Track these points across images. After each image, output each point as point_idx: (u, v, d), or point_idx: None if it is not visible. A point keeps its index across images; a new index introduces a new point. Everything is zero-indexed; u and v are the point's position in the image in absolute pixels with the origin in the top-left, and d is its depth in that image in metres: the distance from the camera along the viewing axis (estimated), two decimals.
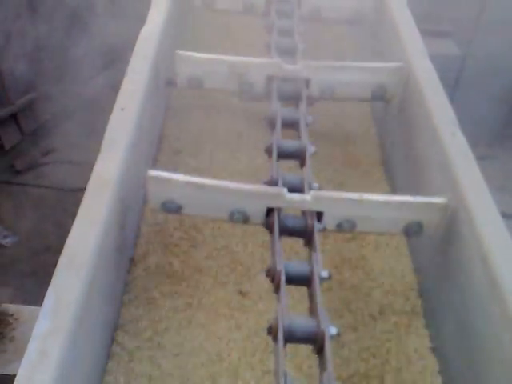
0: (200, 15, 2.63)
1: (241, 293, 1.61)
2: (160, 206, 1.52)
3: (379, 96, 1.95)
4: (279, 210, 1.46)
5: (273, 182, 1.49)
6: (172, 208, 1.51)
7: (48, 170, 5.19)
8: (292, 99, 1.84)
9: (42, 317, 1.09)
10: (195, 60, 1.95)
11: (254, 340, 1.49)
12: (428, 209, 1.50)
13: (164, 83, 2.05)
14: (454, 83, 4.94)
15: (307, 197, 1.44)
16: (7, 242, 4.39)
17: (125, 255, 1.62)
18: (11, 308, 2.49)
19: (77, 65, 5.48)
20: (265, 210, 1.46)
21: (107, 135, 1.53)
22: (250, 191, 1.46)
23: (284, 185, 1.47)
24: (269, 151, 1.61)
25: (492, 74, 5.05)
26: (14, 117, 5.31)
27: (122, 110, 1.60)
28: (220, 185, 1.48)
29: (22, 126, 5.39)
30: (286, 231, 1.44)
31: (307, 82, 1.90)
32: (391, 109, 2.05)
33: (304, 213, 1.47)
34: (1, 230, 4.44)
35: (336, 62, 1.95)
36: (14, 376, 1.02)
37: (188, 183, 1.48)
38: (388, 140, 2.13)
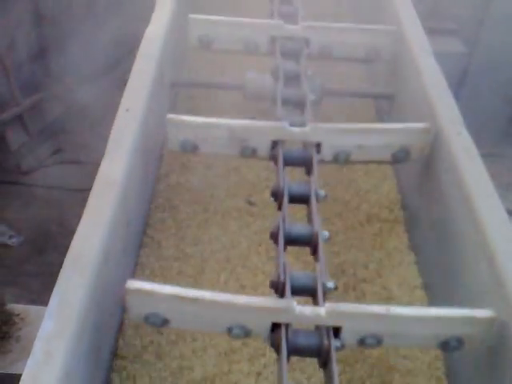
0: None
1: (249, 202, 1.96)
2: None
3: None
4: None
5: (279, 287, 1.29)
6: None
7: (54, 170, 5.20)
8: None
9: (47, 317, 1.10)
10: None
11: (261, 235, 1.81)
12: None
13: (169, 83, 2.05)
14: (460, 81, 4.91)
15: (321, 310, 1.21)
16: (13, 241, 4.40)
17: (130, 255, 1.62)
18: (17, 308, 2.50)
19: (83, 64, 5.49)
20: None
21: (112, 136, 1.53)
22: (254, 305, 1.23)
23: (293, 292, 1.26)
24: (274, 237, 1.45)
25: (498, 71, 5.01)
26: (20, 117, 5.33)
27: (127, 110, 1.61)
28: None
29: (29, 127, 5.40)
30: (297, 351, 1.22)
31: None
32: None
33: (318, 328, 1.25)
34: (6, 230, 4.45)
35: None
36: (20, 375, 1.02)
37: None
38: None
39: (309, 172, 1.60)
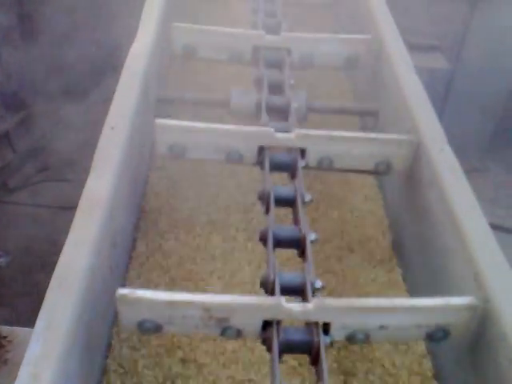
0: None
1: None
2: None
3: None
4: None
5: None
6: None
7: (41, 187, 5.17)
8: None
9: (34, 340, 1.09)
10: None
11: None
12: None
13: (154, 99, 2.06)
14: (443, 96, 4.98)
15: (309, 305, 1.25)
16: (0, 261, 4.35)
17: (117, 274, 1.61)
18: (5, 330, 2.47)
19: (70, 81, 5.49)
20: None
21: (97, 154, 1.53)
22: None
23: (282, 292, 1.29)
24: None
25: (480, 87, 5.10)
26: (6, 135, 5.30)
27: (112, 128, 1.60)
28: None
29: (15, 144, 5.38)
30: (288, 348, 1.24)
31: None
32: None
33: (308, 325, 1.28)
34: None
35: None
36: None
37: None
38: None
39: (293, 176, 1.65)
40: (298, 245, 1.43)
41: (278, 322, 1.24)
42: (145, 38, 2.01)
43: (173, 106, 2.13)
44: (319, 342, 1.20)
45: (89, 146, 1.73)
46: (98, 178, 1.45)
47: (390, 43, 2.11)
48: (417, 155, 1.70)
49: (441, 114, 4.93)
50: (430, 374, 1.54)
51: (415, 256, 1.74)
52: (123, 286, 1.68)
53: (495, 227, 1.54)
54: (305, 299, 1.27)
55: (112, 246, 1.47)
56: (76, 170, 4.81)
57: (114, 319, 1.57)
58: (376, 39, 2.16)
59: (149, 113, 1.99)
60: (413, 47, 4.97)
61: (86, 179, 1.48)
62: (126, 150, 1.58)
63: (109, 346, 1.53)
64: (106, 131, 1.60)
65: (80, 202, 1.39)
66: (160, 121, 1.71)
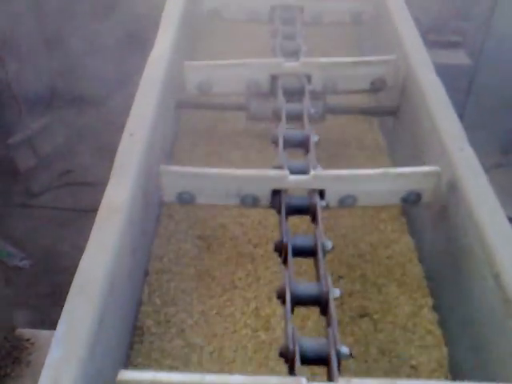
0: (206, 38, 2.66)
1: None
2: None
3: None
4: None
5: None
6: None
7: (63, 191, 5.23)
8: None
9: (55, 344, 1.09)
10: None
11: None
12: None
13: (174, 106, 2.05)
14: (466, 92, 4.91)
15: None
16: (24, 264, 4.41)
17: (136, 279, 1.61)
18: (27, 332, 2.50)
19: (92, 87, 5.55)
20: None
21: (117, 161, 1.52)
22: None
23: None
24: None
25: (503, 81, 5.01)
26: (29, 140, 5.38)
27: (131, 135, 1.60)
28: None
29: (37, 149, 5.46)
30: None
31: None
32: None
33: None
34: (17, 252, 4.47)
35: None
36: None
37: None
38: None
39: (314, 219, 1.52)
40: (319, 303, 1.28)
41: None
42: (163, 45, 2.00)
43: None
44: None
45: (107, 151, 1.74)
46: (118, 184, 1.45)
47: (416, 64, 1.96)
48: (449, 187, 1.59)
49: (463, 109, 4.86)
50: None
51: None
52: (143, 290, 1.68)
53: None
54: (330, 378, 1.11)
55: (132, 252, 1.47)
56: (97, 173, 4.85)
57: (134, 324, 1.57)
58: (401, 60, 2.02)
59: (168, 118, 1.99)
60: (434, 44, 4.94)
61: (106, 183, 1.48)
62: (145, 156, 1.58)
63: (129, 353, 1.52)
64: (125, 137, 1.60)
65: (100, 208, 1.39)
66: (166, 167, 1.64)
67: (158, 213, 1.93)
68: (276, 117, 1.82)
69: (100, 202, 1.42)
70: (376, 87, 2.06)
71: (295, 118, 1.80)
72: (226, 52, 2.40)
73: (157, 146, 1.75)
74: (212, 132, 2.29)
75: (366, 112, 2.27)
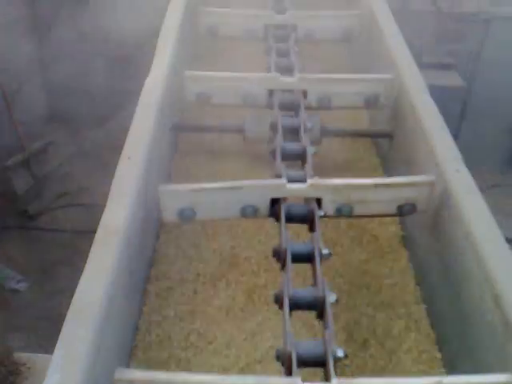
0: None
1: None
2: None
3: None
4: None
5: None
6: None
7: (60, 213, 5.24)
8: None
9: (52, 369, 1.08)
10: None
11: None
12: None
13: (169, 128, 2.06)
14: (461, 113, 4.97)
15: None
16: (21, 286, 4.39)
17: (134, 302, 1.60)
18: (24, 357, 2.47)
19: (88, 110, 5.59)
20: None
21: (114, 184, 1.52)
22: None
23: None
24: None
25: (497, 102, 5.08)
26: (26, 162, 5.40)
27: (129, 158, 1.61)
28: None
29: (34, 171, 5.47)
30: None
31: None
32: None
33: None
34: (14, 274, 4.45)
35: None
36: None
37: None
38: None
39: (311, 228, 1.55)
40: (315, 306, 1.31)
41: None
42: (159, 69, 2.02)
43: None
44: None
45: (105, 172, 1.75)
46: (115, 207, 1.45)
47: (410, 83, 1.98)
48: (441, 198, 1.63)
49: (459, 130, 4.91)
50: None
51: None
52: (139, 314, 1.67)
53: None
54: (327, 378, 1.14)
55: (129, 276, 1.47)
56: (94, 194, 4.86)
57: (132, 348, 1.56)
58: (395, 77, 2.04)
59: (164, 142, 2.00)
60: (428, 66, 5.01)
61: (103, 204, 1.48)
62: (143, 180, 1.59)
63: None
64: (122, 161, 1.61)
65: (97, 231, 1.39)
66: (164, 187, 1.64)
67: (156, 234, 1.93)
68: (273, 130, 1.86)
69: (97, 223, 1.42)
70: (370, 104, 2.09)
71: (291, 131, 1.83)
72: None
73: (154, 168, 1.76)
74: (210, 151, 2.30)
75: (362, 134, 2.28)
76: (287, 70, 2.09)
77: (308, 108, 1.97)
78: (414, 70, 2.05)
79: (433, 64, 4.70)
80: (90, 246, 1.36)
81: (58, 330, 1.17)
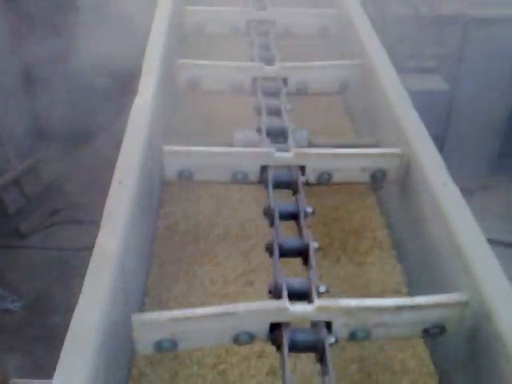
0: None
1: None
2: None
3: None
4: None
5: None
6: None
7: (53, 231, 5.22)
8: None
9: None
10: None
11: None
12: None
13: (159, 149, 2.07)
14: (447, 116, 5.01)
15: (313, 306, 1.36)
16: (15, 306, 4.37)
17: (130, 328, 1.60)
18: (21, 383, 2.44)
19: (76, 127, 5.60)
20: None
21: (107, 209, 1.53)
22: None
23: None
24: None
25: (481, 104, 5.13)
26: (16, 181, 5.39)
27: (120, 183, 1.62)
28: None
29: (25, 190, 5.46)
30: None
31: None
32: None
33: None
34: (8, 295, 4.42)
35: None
36: None
37: None
38: None
39: (295, 193, 1.74)
40: (301, 253, 1.52)
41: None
42: (146, 92, 2.01)
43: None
44: (324, 340, 1.30)
45: (96, 188, 1.75)
46: (109, 234, 1.45)
47: (379, 67, 2.18)
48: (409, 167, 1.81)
49: (445, 133, 4.94)
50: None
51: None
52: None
53: (508, 244, 1.54)
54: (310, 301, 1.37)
55: (124, 301, 1.47)
56: (85, 211, 4.86)
57: (129, 374, 1.57)
58: (366, 63, 2.25)
59: (155, 163, 2.01)
60: (411, 70, 5.06)
61: (95, 220, 1.49)
62: (135, 204, 1.59)
63: None
64: (114, 186, 1.61)
65: (91, 259, 1.38)
66: (168, 147, 1.79)
67: (150, 260, 1.93)
68: (257, 112, 2.05)
69: (90, 240, 1.42)
70: (344, 90, 2.33)
71: (274, 112, 2.04)
72: None
73: (145, 193, 1.77)
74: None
75: (348, 146, 2.30)
76: (269, 60, 2.28)
77: (288, 93, 2.16)
78: (382, 55, 2.26)
79: (416, 68, 4.75)
80: (84, 264, 1.36)
81: (54, 350, 1.17)
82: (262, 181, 1.79)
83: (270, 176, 1.76)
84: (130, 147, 1.76)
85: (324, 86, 2.31)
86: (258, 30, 2.54)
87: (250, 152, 1.80)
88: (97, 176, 5.16)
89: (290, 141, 1.87)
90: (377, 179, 1.85)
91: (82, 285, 1.31)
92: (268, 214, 1.65)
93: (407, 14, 4.98)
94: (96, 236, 1.45)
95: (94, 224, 1.49)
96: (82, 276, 1.32)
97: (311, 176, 1.81)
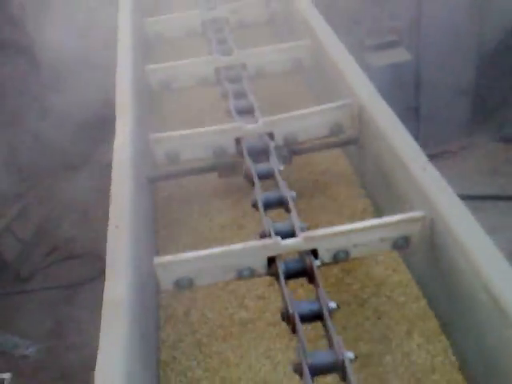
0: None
1: None
2: None
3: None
4: None
5: None
6: None
7: (53, 269, 5.21)
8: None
9: None
10: None
11: None
12: None
13: (146, 181, 2.09)
14: (416, 86, 5.06)
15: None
16: (31, 351, 4.36)
17: (150, 370, 1.62)
18: None
19: (56, 163, 5.58)
20: None
21: (108, 256, 1.56)
22: None
23: None
24: None
25: (446, 68, 5.19)
26: (8, 228, 5.38)
27: (117, 227, 1.65)
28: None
29: (19, 235, 5.45)
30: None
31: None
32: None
33: None
34: (22, 341, 4.41)
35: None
36: None
37: None
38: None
39: (311, 281, 1.58)
40: (336, 369, 1.34)
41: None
42: (125, 129, 2.03)
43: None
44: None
45: (87, 220, 1.77)
46: (114, 280, 1.49)
47: (330, 46, 2.26)
48: None
49: (418, 103, 4.99)
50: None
51: None
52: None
53: (497, 197, 1.61)
54: None
55: (143, 346, 1.50)
56: (82, 244, 4.86)
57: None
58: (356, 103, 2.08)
59: (145, 198, 2.04)
60: (373, 48, 5.10)
61: (93, 252, 1.51)
62: (134, 247, 1.62)
63: None
64: (111, 230, 1.65)
65: (103, 307, 1.42)
66: (159, 258, 1.62)
67: (157, 298, 1.91)
68: (248, 180, 1.90)
69: (90, 272, 1.45)
70: (335, 132, 2.15)
71: (266, 177, 1.89)
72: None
73: (142, 235, 1.80)
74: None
75: (330, 146, 2.27)
76: (248, 112, 2.15)
77: (277, 148, 2.03)
78: (330, 34, 2.35)
79: (377, 45, 4.78)
80: (91, 298, 1.39)
81: None
82: (272, 273, 1.62)
83: (281, 267, 1.57)
84: (119, 188, 1.80)
85: (315, 133, 2.14)
86: (228, 76, 2.37)
87: (252, 246, 1.62)
88: (85, 208, 5.17)
89: (294, 217, 1.68)
90: (400, 247, 1.70)
91: (90, 318, 1.34)
92: (287, 318, 1.45)
93: None
94: (95, 268, 1.47)
95: (90, 256, 1.52)
96: (90, 309, 1.34)
97: (325, 257, 1.64)
